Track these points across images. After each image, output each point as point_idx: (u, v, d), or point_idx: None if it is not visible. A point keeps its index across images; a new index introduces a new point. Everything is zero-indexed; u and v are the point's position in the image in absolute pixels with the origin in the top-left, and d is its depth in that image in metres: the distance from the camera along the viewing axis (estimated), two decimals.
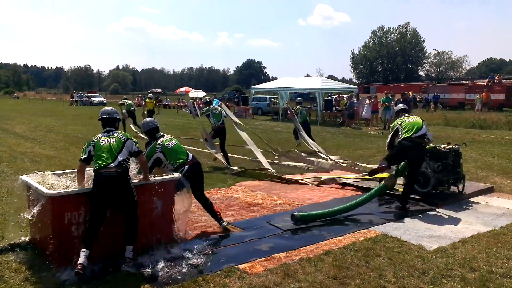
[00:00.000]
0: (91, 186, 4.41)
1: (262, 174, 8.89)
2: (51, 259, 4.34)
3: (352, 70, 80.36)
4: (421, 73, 77.79)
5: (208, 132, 10.33)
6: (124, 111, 16.71)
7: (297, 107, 13.41)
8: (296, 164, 10.19)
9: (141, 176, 4.83)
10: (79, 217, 4.29)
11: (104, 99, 52.34)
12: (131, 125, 16.51)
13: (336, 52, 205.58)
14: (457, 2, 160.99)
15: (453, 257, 4.63)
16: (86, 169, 4.61)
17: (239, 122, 10.94)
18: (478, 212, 6.45)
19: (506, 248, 4.92)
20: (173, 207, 4.99)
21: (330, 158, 10.43)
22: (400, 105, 7.28)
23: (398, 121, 6.92)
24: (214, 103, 33.54)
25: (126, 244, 4.41)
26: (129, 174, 4.49)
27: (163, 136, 5.46)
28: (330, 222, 5.92)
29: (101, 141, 4.48)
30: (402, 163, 6.66)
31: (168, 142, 5.34)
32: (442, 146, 7.42)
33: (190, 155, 5.41)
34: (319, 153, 11.06)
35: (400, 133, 6.72)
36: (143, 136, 9.31)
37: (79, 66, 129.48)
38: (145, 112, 19.64)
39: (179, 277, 4.14)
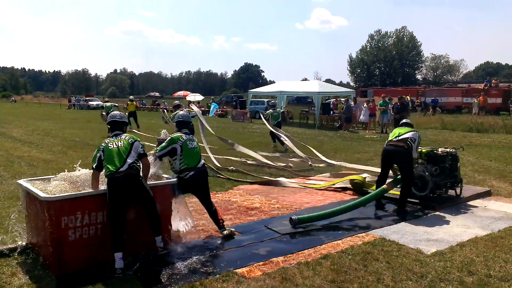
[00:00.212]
0: (89, 191, 4.42)
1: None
2: (48, 263, 4.32)
3: (350, 74, 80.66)
4: (418, 77, 78.09)
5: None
6: (104, 113, 18.25)
7: (269, 111, 14.48)
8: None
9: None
10: (76, 221, 4.27)
11: (101, 103, 52.27)
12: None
13: (333, 56, 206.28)
14: (454, 7, 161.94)
15: (451, 261, 4.63)
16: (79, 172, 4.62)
17: (206, 126, 11.57)
18: (475, 216, 6.46)
19: (504, 251, 4.92)
20: (171, 211, 4.98)
21: (306, 157, 11.11)
22: (404, 120, 7.31)
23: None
24: (212, 106, 33.93)
25: (155, 236, 4.67)
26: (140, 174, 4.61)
27: (190, 134, 5.49)
28: (328, 226, 5.91)
29: (109, 145, 4.57)
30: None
31: (191, 142, 5.38)
32: (440, 149, 7.43)
33: (202, 162, 5.41)
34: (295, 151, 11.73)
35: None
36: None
37: (77, 70, 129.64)
38: (126, 114, 19.33)
39: (176, 281, 4.12)
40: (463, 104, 34.90)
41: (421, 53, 75.66)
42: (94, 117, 22.09)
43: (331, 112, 25.25)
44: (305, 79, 62.51)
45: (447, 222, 6.12)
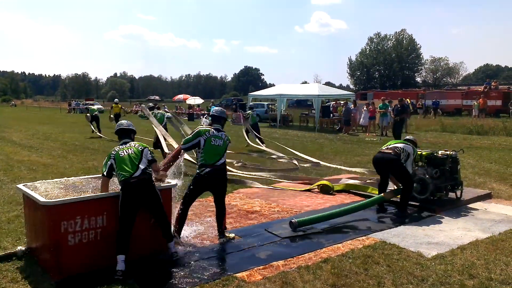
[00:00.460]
0: (89, 195, 4.41)
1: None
2: (48, 268, 4.31)
3: (349, 77, 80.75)
4: (418, 79, 78.11)
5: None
6: (88, 114, 19.60)
7: (248, 112, 15.63)
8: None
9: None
10: (76, 225, 4.26)
11: (101, 106, 52.28)
12: (92, 127, 19.04)
13: (333, 58, 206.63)
14: (453, 9, 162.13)
15: (452, 264, 4.61)
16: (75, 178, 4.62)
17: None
18: (476, 219, 6.44)
19: (504, 254, 4.91)
20: (170, 215, 4.97)
21: (283, 156, 11.90)
22: (408, 137, 7.37)
23: None
24: (212, 109, 33.94)
25: (167, 242, 4.72)
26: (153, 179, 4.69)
27: (219, 131, 5.40)
28: (328, 230, 5.90)
29: (120, 152, 4.63)
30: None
31: (216, 139, 5.30)
32: (440, 152, 7.43)
33: (222, 160, 5.29)
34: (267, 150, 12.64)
35: None
36: (100, 135, 15.22)
37: (77, 74, 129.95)
38: (112, 116, 22.52)
39: (176, 286, 4.10)
40: (463, 107, 34.92)
41: (421, 56, 75.79)
42: (105, 123, 22.29)
43: (331, 115, 25.27)
44: (305, 82, 62.50)
45: (448, 225, 6.10)
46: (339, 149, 14.93)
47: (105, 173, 4.60)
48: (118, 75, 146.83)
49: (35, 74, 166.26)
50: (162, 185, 4.92)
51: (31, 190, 4.58)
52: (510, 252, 4.97)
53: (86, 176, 5.65)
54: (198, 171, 5.28)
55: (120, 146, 4.74)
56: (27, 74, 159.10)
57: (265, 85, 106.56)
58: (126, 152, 4.62)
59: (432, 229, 5.92)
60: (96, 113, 19.66)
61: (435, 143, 16.26)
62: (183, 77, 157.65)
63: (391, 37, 76.27)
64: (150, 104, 14.60)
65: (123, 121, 5.09)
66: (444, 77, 78.43)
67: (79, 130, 22.11)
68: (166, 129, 11.16)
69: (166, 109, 13.02)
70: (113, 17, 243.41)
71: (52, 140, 17.41)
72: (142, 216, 4.61)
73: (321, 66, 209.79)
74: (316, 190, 8.23)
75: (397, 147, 6.74)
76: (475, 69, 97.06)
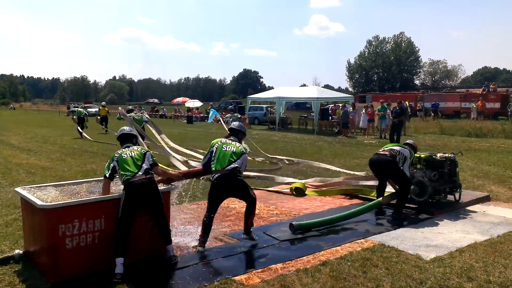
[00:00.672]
0: (86, 198, 4.40)
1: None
2: (45, 271, 4.29)
3: (348, 80, 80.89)
4: (417, 82, 78.21)
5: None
6: (75, 117, 20.48)
7: (228, 115, 16.10)
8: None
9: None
10: (74, 229, 4.25)
11: (138, 112, 52.15)
12: (79, 128, 19.91)
13: (332, 61, 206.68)
14: (451, 12, 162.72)
15: (451, 267, 4.60)
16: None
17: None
18: (475, 221, 6.44)
19: (503, 257, 4.90)
20: (169, 218, 4.96)
21: (267, 155, 12.65)
22: (408, 141, 7.36)
23: None
24: (211, 112, 35.27)
25: (166, 245, 4.71)
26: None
27: (234, 141, 5.42)
28: (327, 232, 5.89)
29: (123, 155, 4.68)
30: None
31: (227, 146, 5.30)
32: (438, 155, 7.44)
33: (234, 165, 5.17)
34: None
35: None
36: (88, 138, 16.04)
37: (76, 77, 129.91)
38: (98, 118, 23.60)
39: None
40: (461, 109, 35.00)
41: (419, 59, 75.98)
42: (92, 124, 22.36)
43: (330, 117, 25.29)
44: (304, 85, 62.77)
45: (446, 228, 6.10)
46: (338, 151, 14.94)
47: (107, 175, 4.63)
48: (117, 78, 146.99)
49: (34, 77, 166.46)
50: (160, 188, 4.91)
51: (29, 193, 4.57)
52: (509, 255, 4.97)
53: (85, 180, 5.64)
54: (211, 179, 5.25)
55: (123, 149, 4.80)
56: (26, 77, 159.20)
57: (264, 88, 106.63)
58: (130, 155, 4.68)
59: (431, 231, 5.92)
60: (82, 115, 20.53)
61: (434, 145, 16.28)
62: (182, 80, 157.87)
63: (389, 40, 76.54)
64: (129, 107, 15.80)
65: (125, 127, 5.16)
66: (443, 80, 78.53)
67: (78, 133, 22.09)
68: (144, 130, 12.20)
69: (144, 113, 14.03)
70: (112, 20, 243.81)
71: (51, 143, 17.40)
72: (141, 218, 4.61)
73: (320, 69, 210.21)
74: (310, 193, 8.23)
75: (393, 149, 6.76)
76: (473, 72, 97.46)
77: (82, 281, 4.20)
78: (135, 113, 12.87)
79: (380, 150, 7.02)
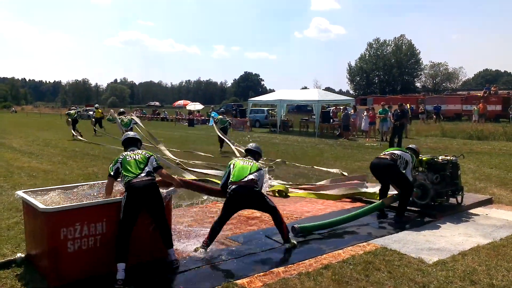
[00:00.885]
0: (88, 201, 4.40)
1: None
2: (47, 275, 4.29)
3: (349, 82, 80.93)
4: (418, 84, 78.25)
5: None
6: (69, 119, 21.58)
7: (219, 116, 17.41)
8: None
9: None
10: (75, 232, 4.25)
11: (128, 115, 52.20)
12: (72, 130, 20.97)
13: (333, 64, 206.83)
14: (452, 15, 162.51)
15: (453, 270, 4.59)
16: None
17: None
18: (477, 224, 6.42)
19: (506, 260, 4.88)
20: (170, 221, 4.96)
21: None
22: (410, 146, 7.35)
23: None
24: (212, 115, 35.51)
25: (167, 249, 4.70)
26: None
27: (253, 160, 5.56)
28: (329, 236, 5.88)
29: (127, 157, 4.76)
30: None
31: (246, 162, 5.46)
32: (440, 157, 7.42)
33: (251, 177, 5.24)
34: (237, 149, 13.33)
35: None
36: (81, 138, 17.82)
37: (77, 80, 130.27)
38: (93, 120, 24.86)
39: None
40: (462, 112, 34.95)
41: (420, 61, 76.01)
42: (88, 126, 22.94)
43: (331, 120, 25.29)
44: (305, 88, 62.69)
45: (449, 231, 6.08)
46: (339, 154, 14.92)
47: (112, 174, 4.70)
48: (118, 81, 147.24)
49: (36, 80, 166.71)
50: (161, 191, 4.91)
51: (31, 197, 4.57)
52: None
53: (86, 183, 5.63)
54: (228, 190, 5.29)
55: (128, 152, 4.88)
56: (27, 80, 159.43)
57: (265, 91, 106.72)
58: (133, 157, 4.76)
59: (433, 234, 5.90)
60: (75, 116, 22.08)
61: (435, 148, 16.26)
62: (183, 83, 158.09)
63: (390, 43, 76.59)
64: (121, 110, 16.59)
65: (129, 132, 5.30)
66: (444, 82, 78.59)
67: (101, 140, 22.14)
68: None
69: (133, 116, 14.82)
70: (113, 23, 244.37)
71: (52, 146, 17.41)
72: (142, 221, 4.60)
73: (320, 71, 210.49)
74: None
75: (394, 153, 6.76)
76: (474, 74, 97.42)
77: (84, 285, 4.20)
78: (125, 116, 13.66)
79: (381, 154, 7.03)
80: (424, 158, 7.34)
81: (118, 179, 4.72)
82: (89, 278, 4.28)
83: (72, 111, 22.69)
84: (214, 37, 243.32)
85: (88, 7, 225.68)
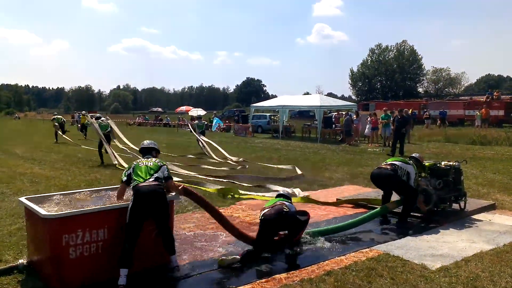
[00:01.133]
0: (90, 208, 4.41)
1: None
2: (49, 281, 4.28)
3: (351, 88, 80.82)
4: (420, 90, 78.08)
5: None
6: (56, 123, 23.16)
7: (195, 121, 18.93)
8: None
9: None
10: (77, 239, 4.25)
11: (104, 118, 52.42)
12: (59, 132, 22.72)
13: (335, 70, 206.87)
14: (454, 20, 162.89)
15: (457, 277, 4.56)
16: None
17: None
18: (480, 230, 6.39)
19: (509, 266, 4.85)
20: (172, 227, 4.95)
21: (232, 159, 14.40)
22: (413, 154, 7.34)
23: None
24: (215, 121, 36.85)
25: (170, 255, 4.72)
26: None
27: (285, 200, 5.65)
28: (331, 241, 5.84)
29: (140, 163, 4.86)
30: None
31: (276, 203, 5.53)
32: (443, 163, 7.40)
33: (280, 201, 5.48)
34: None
35: None
36: (65, 137, 20.96)
37: (80, 86, 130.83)
38: (79, 125, 27.00)
39: None
40: (465, 117, 34.88)
41: (422, 66, 75.80)
42: (74, 131, 23.86)
43: (333, 125, 25.27)
44: (307, 93, 62.74)
45: (452, 237, 6.05)
46: (341, 160, 14.89)
47: (124, 180, 4.76)
48: (121, 87, 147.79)
49: (39, 87, 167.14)
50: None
51: (33, 203, 4.57)
52: None
53: (89, 189, 5.64)
54: (260, 217, 5.42)
55: (142, 159, 4.98)
56: (30, 87, 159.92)
57: (267, 96, 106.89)
58: (145, 164, 4.84)
59: (436, 240, 5.87)
60: (61, 121, 24.11)
61: (438, 153, 16.21)
62: (186, 89, 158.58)
63: (392, 48, 76.46)
64: (97, 114, 17.81)
65: (144, 141, 5.38)
66: (446, 88, 78.35)
67: (82, 142, 22.18)
68: (109, 136, 13.97)
69: (109, 120, 15.53)
70: (116, 30, 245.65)
71: (55, 152, 17.45)
72: (145, 227, 4.59)
73: (323, 77, 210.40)
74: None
75: (395, 164, 6.75)
76: (477, 79, 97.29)
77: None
78: (102, 120, 14.71)
79: (382, 164, 7.02)
80: (426, 164, 7.32)
81: (130, 185, 4.72)
82: (91, 285, 4.28)
83: (58, 116, 24.60)
84: (217, 43, 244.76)
85: (91, 15, 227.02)
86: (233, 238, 5.92)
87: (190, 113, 48.68)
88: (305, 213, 5.51)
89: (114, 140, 14.34)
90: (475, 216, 7.13)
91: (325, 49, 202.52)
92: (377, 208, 6.95)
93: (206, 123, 20.69)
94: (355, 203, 7.99)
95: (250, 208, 7.67)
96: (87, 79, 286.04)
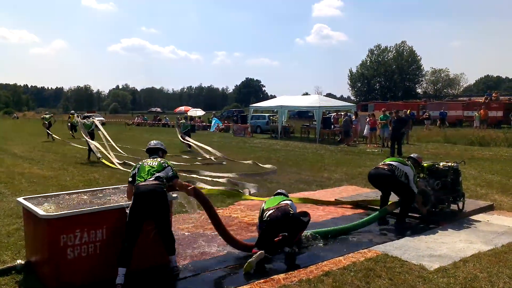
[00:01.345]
0: (88, 208, 4.41)
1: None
2: (47, 282, 4.28)
3: (350, 88, 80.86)
4: (419, 90, 78.16)
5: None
6: (46, 122, 24.97)
7: (181, 121, 20.29)
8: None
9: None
10: (75, 239, 4.24)
11: (103, 118, 52.46)
12: (48, 132, 23.91)
13: (334, 70, 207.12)
14: (453, 21, 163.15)
15: (455, 277, 4.56)
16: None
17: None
18: (478, 231, 6.40)
19: (507, 267, 4.86)
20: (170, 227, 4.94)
21: (216, 155, 14.94)
22: (412, 155, 7.34)
23: None
24: (214, 121, 37.01)
25: (169, 255, 4.67)
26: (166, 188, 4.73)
27: (284, 199, 5.74)
28: (330, 242, 5.85)
29: (144, 163, 4.87)
30: None
31: (278, 194, 5.85)
32: (441, 164, 7.41)
33: (285, 202, 5.52)
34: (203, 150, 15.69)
35: None
36: (54, 136, 21.54)
37: (79, 86, 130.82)
38: (69, 124, 26.87)
39: None
40: (464, 118, 34.92)
41: (421, 67, 75.89)
42: (64, 129, 24.51)
43: (332, 126, 25.28)
44: (306, 94, 62.76)
45: (450, 237, 6.06)
46: (340, 160, 14.90)
47: (129, 180, 4.78)
48: (120, 87, 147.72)
49: (38, 86, 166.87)
50: None
51: (31, 203, 4.57)
52: None
53: (87, 189, 5.64)
54: (264, 218, 5.41)
55: (148, 159, 4.98)
56: (29, 86, 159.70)
57: (266, 97, 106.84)
58: (149, 164, 4.84)
59: (434, 241, 5.87)
60: (50, 120, 25.58)
61: (437, 154, 16.22)
62: (185, 89, 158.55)
63: (391, 49, 76.53)
64: (85, 114, 19.00)
65: (151, 142, 5.38)
66: (445, 88, 78.46)
67: (80, 142, 22.13)
68: (93, 134, 15.48)
69: (94, 119, 16.58)
70: (115, 30, 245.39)
71: (53, 152, 17.44)
72: (144, 227, 4.59)
73: (322, 77, 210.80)
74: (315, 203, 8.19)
75: (392, 164, 6.75)
76: (475, 80, 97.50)
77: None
78: (87, 120, 15.83)
79: (380, 164, 7.02)
80: (425, 165, 7.33)
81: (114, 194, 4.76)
82: (89, 285, 4.27)
83: (47, 116, 26.24)
84: (216, 43, 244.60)
85: (90, 15, 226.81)
86: None
87: (189, 113, 48.60)
88: (306, 214, 5.50)
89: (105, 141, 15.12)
90: (474, 217, 7.14)
91: (324, 50, 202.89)
92: (376, 208, 6.97)
93: (192, 123, 21.83)
94: (355, 204, 8.00)
95: (249, 209, 7.67)
96: (86, 79, 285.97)
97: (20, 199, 4.78)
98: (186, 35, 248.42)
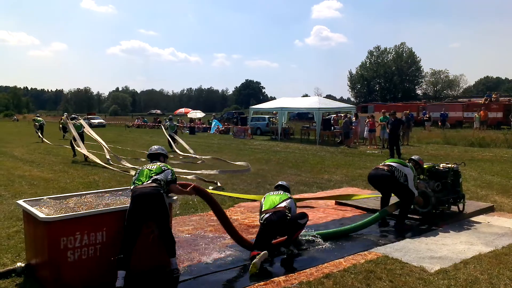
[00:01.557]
0: (88, 211, 4.40)
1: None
2: (47, 284, 4.27)
3: (350, 90, 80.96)
4: (419, 92, 78.24)
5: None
6: (37, 123, 26.05)
7: (167, 123, 21.18)
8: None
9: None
10: (75, 242, 4.24)
11: (103, 120, 52.53)
12: (39, 134, 24.97)
13: (333, 72, 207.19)
14: (452, 22, 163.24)
15: (455, 279, 4.56)
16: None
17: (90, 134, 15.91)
18: (479, 232, 6.39)
19: (508, 268, 4.85)
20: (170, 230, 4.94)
21: (200, 158, 15.20)
22: (413, 157, 7.33)
23: None
24: (214, 123, 37.16)
25: (170, 258, 4.67)
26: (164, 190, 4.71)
27: (281, 192, 5.86)
28: (330, 244, 5.84)
29: (144, 168, 4.89)
30: None
31: (276, 192, 5.84)
32: (441, 165, 7.41)
33: (282, 204, 5.48)
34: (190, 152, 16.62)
35: None
36: (44, 140, 23.11)
37: (79, 89, 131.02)
38: (60, 126, 27.63)
39: None
40: (464, 119, 34.94)
41: (421, 69, 76.02)
42: (56, 131, 25.22)
43: (332, 127, 25.30)
44: (306, 95, 62.82)
45: (451, 239, 6.05)
46: (340, 162, 14.90)
47: (131, 187, 4.76)
48: (120, 89, 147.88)
49: (38, 89, 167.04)
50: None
51: (31, 206, 4.56)
52: None
53: (87, 192, 5.63)
54: (260, 220, 5.43)
55: (149, 164, 5.01)
56: (29, 89, 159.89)
57: (266, 99, 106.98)
58: (148, 168, 4.85)
59: (435, 243, 5.87)
60: (41, 122, 26.32)
61: (437, 155, 16.23)
62: (185, 91, 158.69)
63: (391, 50, 76.70)
64: (73, 115, 18.68)
65: (152, 147, 5.41)
66: (445, 90, 78.53)
67: (62, 141, 22.14)
68: (82, 135, 15.86)
69: (82, 121, 16.94)
70: (115, 32, 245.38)
71: (53, 154, 17.43)
72: (145, 229, 4.59)
73: (321, 79, 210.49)
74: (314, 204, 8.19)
75: (392, 165, 6.74)
76: (475, 82, 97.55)
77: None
78: (76, 121, 16.08)
79: (380, 164, 7.01)
80: (425, 166, 7.33)
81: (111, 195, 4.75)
82: (89, 287, 4.27)
83: (38, 118, 27.28)
84: (215, 45, 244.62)
85: (90, 17, 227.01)
86: (232, 240, 5.93)
87: (189, 115, 48.67)
88: (304, 216, 5.51)
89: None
90: (474, 218, 7.13)
91: (324, 51, 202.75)
92: (377, 209, 6.97)
93: (177, 124, 23.98)
94: (354, 206, 8.00)
95: (249, 211, 7.67)
96: (86, 81, 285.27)
97: (20, 202, 4.77)
98: (185, 37, 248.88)
